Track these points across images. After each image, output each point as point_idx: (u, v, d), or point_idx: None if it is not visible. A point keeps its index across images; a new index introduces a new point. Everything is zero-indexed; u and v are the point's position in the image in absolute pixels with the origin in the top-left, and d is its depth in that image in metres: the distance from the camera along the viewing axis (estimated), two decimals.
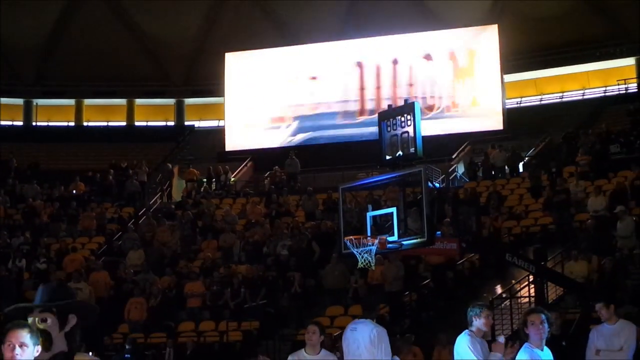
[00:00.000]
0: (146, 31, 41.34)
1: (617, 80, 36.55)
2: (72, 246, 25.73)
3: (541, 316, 6.73)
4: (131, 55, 41.10)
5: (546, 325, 6.71)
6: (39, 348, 4.50)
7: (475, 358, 7.77)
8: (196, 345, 19.55)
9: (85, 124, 42.55)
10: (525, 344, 6.79)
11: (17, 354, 4.36)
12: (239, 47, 37.94)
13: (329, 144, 34.76)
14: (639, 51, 37.00)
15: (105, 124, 42.65)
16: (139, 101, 42.78)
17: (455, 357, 8.06)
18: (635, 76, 36.92)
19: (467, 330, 8.02)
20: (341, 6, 39.40)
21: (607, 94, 37.08)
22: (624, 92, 36.32)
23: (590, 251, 19.40)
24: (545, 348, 6.82)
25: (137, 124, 42.63)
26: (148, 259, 24.17)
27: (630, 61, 37.31)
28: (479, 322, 7.97)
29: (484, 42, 35.02)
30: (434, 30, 36.06)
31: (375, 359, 8.51)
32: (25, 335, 4.41)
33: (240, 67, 37.69)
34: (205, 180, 32.44)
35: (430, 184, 15.30)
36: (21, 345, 4.38)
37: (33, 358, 4.43)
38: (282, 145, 35.27)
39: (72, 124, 42.46)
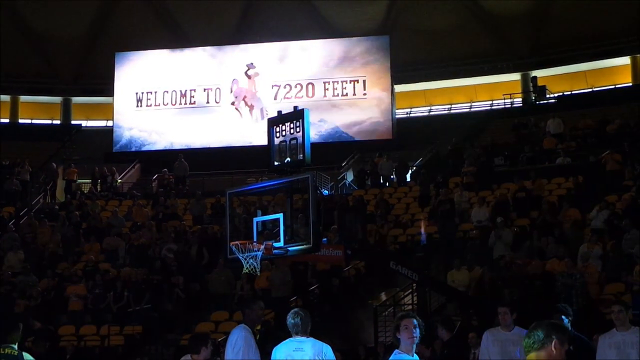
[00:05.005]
0: (34, 27, 40.20)
1: (503, 95, 37.60)
2: None
3: (413, 321, 6.74)
4: (17, 51, 39.83)
5: (417, 330, 6.72)
6: None
7: None
8: (76, 350, 19.09)
9: None
10: (395, 350, 6.77)
11: None
12: (131, 47, 37.33)
13: (218, 148, 34.53)
14: (524, 67, 38.17)
15: None
16: (23, 98, 41.53)
17: None
18: (520, 91, 38.05)
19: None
20: (235, 11, 39.28)
21: (493, 107, 38.12)
22: (510, 106, 37.46)
23: (473, 261, 19.80)
24: (415, 355, 6.79)
25: (21, 121, 41.37)
26: (29, 261, 23.48)
27: (516, 76, 38.43)
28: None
29: (376, 52, 35.46)
30: (328, 38, 36.40)
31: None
32: None
33: (131, 67, 37.06)
34: (90, 180, 31.76)
35: (318, 190, 15.36)
36: None
37: None
38: (171, 147, 34.88)
39: None
